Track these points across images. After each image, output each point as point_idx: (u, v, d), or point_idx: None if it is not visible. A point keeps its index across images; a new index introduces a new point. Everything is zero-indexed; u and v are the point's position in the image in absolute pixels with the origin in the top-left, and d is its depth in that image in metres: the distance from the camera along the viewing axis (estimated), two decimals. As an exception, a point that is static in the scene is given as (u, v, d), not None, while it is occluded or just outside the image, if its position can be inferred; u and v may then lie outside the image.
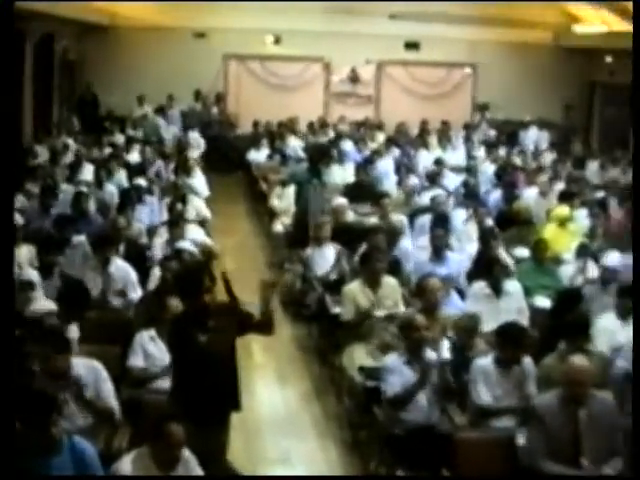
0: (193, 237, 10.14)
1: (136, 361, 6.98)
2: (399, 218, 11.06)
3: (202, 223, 11.63)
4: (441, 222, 10.18)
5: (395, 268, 8.94)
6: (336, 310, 8.57)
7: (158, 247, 9.85)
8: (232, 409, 6.14)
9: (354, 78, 21.45)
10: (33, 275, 8.09)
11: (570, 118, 21.26)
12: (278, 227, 12.85)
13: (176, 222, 10.07)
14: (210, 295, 5.91)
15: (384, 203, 11.12)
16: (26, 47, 15.92)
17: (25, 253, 9.05)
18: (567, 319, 7.12)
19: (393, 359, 6.75)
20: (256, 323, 6.04)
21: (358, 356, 7.74)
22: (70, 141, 16.19)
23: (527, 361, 6.66)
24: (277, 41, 21.23)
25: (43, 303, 7.67)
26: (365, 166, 13.69)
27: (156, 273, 8.69)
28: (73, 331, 7.01)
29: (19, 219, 9.97)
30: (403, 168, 14.61)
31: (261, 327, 6.13)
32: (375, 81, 21.71)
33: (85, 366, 6.14)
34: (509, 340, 6.61)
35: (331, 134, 18.93)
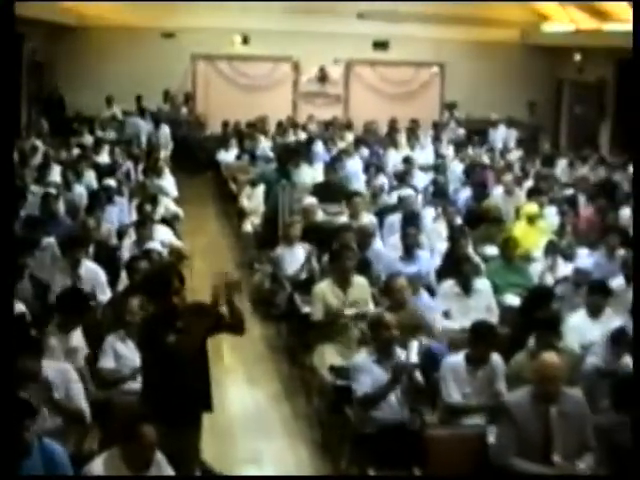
0: (162, 238, 10.13)
1: (106, 362, 6.98)
2: (369, 218, 11.09)
3: (173, 222, 11.62)
4: (412, 221, 10.22)
5: (365, 267, 8.95)
6: (306, 309, 8.57)
7: (127, 248, 9.82)
8: (203, 410, 6.13)
9: (322, 78, 21.48)
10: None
11: (535, 115, 21.40)
12: (247, 227, 12.85)
13: (144, 223, 10.04)
14: (179, 296, 5.90)
15: (355, 202, 11.13)
16: (-7, 47, 15.82)
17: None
18: (537, 316, 7.18)
19: (363, 358, 6.77)
20: (227, 323, 6.04)
21: (328, 355, 7.76)
22: (39, 143, 16.10)
23: (496, 358, 6.71)
24: (245, 41, 21.22)
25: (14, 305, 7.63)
26: (333, 165, 13.70)
27: (125, 274, 8.66)
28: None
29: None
30: (372, 167, 14.63)
31: (232, 327, 6.13)
32: (344, 80, 21.75)
33: (54, 368, 6.13)
34: (480, 338, 6.66)
35: (300, 134, 18.94)
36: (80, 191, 12.23)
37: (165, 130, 19.07)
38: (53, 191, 11.37)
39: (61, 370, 6.17)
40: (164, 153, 17.19)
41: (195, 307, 6.04)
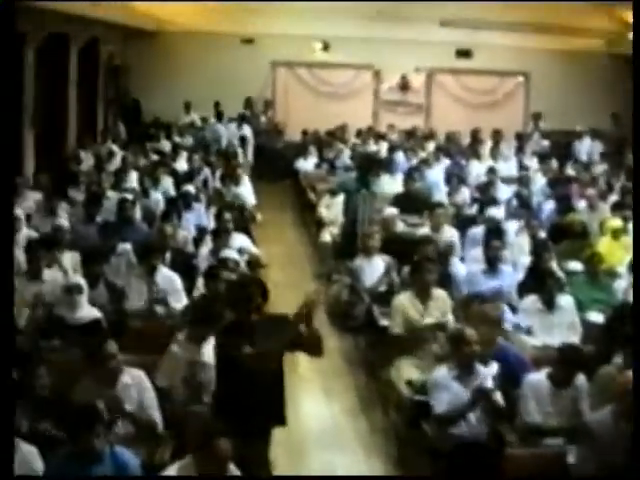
0: (239, 246, 10.16)
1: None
2: (451, 231, 10.99)
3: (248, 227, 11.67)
4: (496, 234, 10.07)
5: (445, 280, 8.88)
6: (384, 322, 8.54)
7: (204, 256, 9.88)
8: (277, 424, 6.12)
9: (404, 86, 21.45)
10: (80, 281, 8.11)
11: (620, 127, 20.99)
12: (326, 237, 12.85)
13: (222, 231, 10.09)
14: (260, 311, 5.89)
15: (436, 214, 11.05)
16: (71, 51, 16.09)
17: (69, 259, 9.16)
18: (623, 332, 7.03)
19: (442, 374, 6.69)
20: (305, 343, 5.99)
21: (406, 370, 7.71)
22: (115, 148, 16.33)
23: (581, 379, 6.59)
24: (326, 48, 21.29)
25: (88, 310, 7.74)
26: (413, 175, 13.63)
27: (201, 282, 8.71)
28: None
29: (65, 224, 10.09)
30: (454, 178, 14.51)
31: (310, 348, 6.08)
32: (425, 89, 21.69)
33: (130, 375, 6.18)
34: (567, 361, 6.54)
35: (381, 143, 18.90)
36: (157, 197, 12.38)
37: (249, 136, 19.24)
38: (130, 197, 11.50)
39: (136, 377, 6.21)
40: (247, 159, 17.36)
41: (274, 321, 6.00)
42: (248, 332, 5.82)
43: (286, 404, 6.11)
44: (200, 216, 11.83)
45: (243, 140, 19.07)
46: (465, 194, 13.55)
